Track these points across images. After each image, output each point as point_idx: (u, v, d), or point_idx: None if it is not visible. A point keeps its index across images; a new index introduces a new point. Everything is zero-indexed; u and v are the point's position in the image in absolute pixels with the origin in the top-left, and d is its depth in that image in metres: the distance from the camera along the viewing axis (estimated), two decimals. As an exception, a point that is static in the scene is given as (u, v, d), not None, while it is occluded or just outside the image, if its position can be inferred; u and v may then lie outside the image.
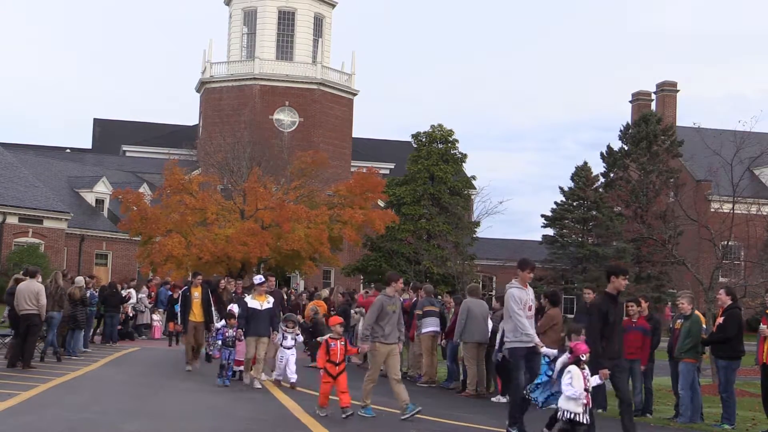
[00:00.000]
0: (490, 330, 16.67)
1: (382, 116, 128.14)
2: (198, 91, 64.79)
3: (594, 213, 52.64)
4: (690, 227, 36.02)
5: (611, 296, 11.20)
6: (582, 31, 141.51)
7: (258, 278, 16.52)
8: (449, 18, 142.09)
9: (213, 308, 18.75)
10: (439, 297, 20.73)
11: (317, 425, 11.76)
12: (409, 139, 49.79)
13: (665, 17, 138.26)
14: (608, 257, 50.60)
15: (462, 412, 14.04)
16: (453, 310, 18.35)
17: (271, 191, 39.76)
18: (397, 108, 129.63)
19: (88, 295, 22.32)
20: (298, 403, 13.84)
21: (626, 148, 55.67)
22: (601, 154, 57.03)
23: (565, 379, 10.29)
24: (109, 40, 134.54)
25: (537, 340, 11.86)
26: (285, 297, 27.02)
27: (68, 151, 68.72)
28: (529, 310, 12.01)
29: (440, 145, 47.03)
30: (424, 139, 47.21)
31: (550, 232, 54.76)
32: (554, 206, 53.97)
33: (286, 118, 60.79)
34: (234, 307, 18.90)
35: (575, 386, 10.22)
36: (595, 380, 10.46)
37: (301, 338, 18.11)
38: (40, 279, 18.63)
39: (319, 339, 21.69)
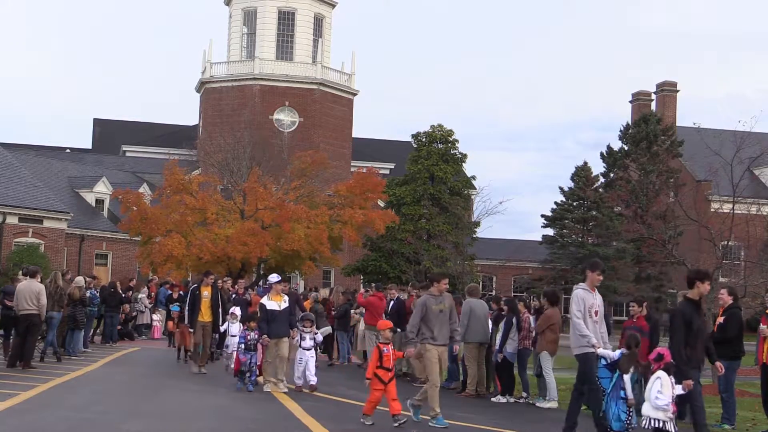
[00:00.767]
0: (489, 330, 16.68)
1: (382, 116, 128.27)
2: (198, 91, 64.78)
3: (594, 213, 52.68)
4: (690, 227, 36.01)
5: (694, 302, 10.67)
6: (582, 31, 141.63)
7: (274, 277, 16.05)
8: (449, 18, 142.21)
9: (221, 309, 18.32)
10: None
11: (317, 425, 11.75)
12: (409, 139, 49.81)
13: (665, 17, 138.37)
14: (608, 257, 50.61)
15: (462, 412, 14.03)
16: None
17: (271, 191, 39.72)
18: (397, 108, 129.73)
19: (88, 295, 22.34)
20: (299, 403, 13.84)
21: (626, 148, 55.71)
22: (601, 154, 57.08)
23: (654, 387, 9.73)
24: (109, 40, 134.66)
25: (594, 341, 11.23)
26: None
27: (68, 151, 68.72)
28: (596, 314, 11.43)
29: (440, 145, 47.03)
30: (424, 139, 47.22)
31: (550, 232, 54.81)
32: (554, 206, 54.01)
33: (286, 118, 60.79)
34: (236, 310, 18.65)
35: (665, 394, 9.65)
36: (678, 389, 9.90)
37: (320, 338, 17.65)
38: (40, 279, 18.67)
39: (322, 331, 21.66)
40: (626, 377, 10.47)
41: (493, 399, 16.04)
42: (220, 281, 22.36)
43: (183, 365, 19.66)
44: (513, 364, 16.27)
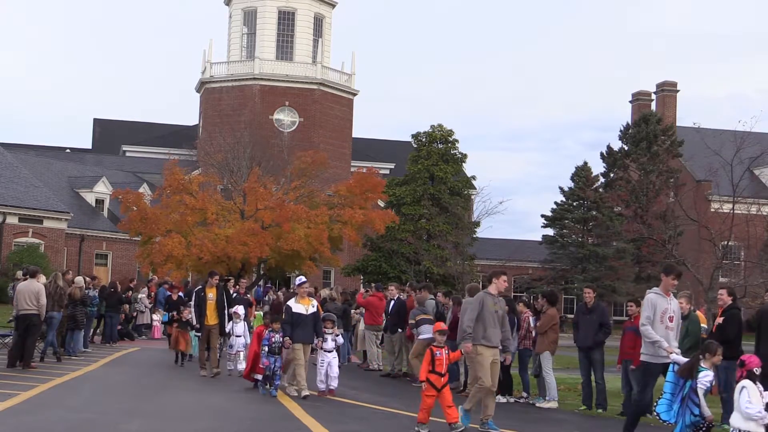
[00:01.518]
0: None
1: (382, 116, 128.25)
2: (198, 91, 64.78)
3: (594, 213, 52.70)
4: (690, 227, 36.05)
5: None
6: (582, 31, 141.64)
7: (300, 279, 15.53)
8: (449, 18, 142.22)
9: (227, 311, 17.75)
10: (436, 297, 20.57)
11: (317, 425, 11.75)
12: (409, 139, 49.81)
13: (665, 17, 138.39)
14: (608, 257, 50.65)
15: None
16: (452, 309, 18.30)
17: (271, 191, 39.71)
18: (397, 108, 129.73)
19: (89, 294, 22.33)
20: (299, 403, 13.84)
21: (626, 148, 55.74)
22: (601, 154, 57.10)
23: (743, 397, 9.15)
24: (109, 40, 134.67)
25: (665, 345, 10.76)
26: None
27: (68, 151, 68.71)
28: (670, 320, 10.99)
29: (440, 145, 47.04)
30: (424, 139, 47.22)
31: (550, 232, 54.83)
32: (554, 206, 54.03)
33: (286, 118, 60.78)
34: (239, 309, 18.19)
35: (754, 403, 9.06)
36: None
37: (341, 340, 17.12)
38: (43, 279, 18.68)
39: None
40: (701, 394, 9.89)
41: (493, 399, 16.01)
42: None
43: (181, 368, 19.60)
44: (511, 364, 16.24)
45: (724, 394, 13.68)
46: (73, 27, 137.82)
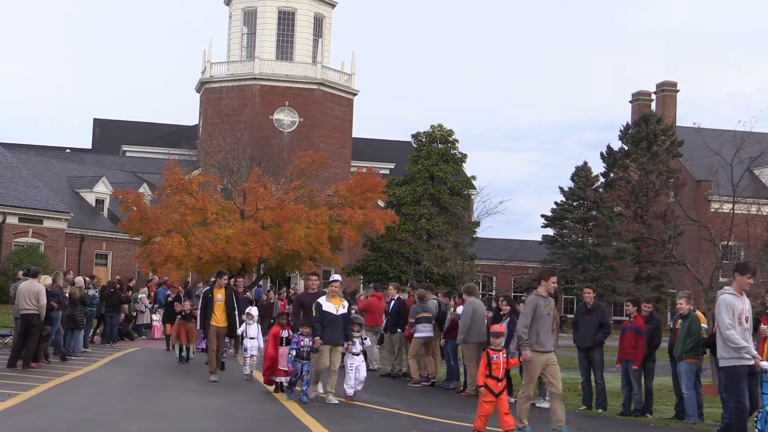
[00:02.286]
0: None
1: (382, 116, 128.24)
2: (198, 91, 64.78)
3: (594, 213, 52.73)
4: (690, 227, 36.00)
5: None
6: (582, 31, 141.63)
7: (334, 276, 14.81)
8: (449, 18, 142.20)
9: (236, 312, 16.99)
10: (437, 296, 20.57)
11: (317, 425, 11.75)
12: (409, 139, 49.83)
13: (665, 17, 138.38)
14: (608, 257, 50.67)
15: (462, 412, 14.03)
16: (452, 309, 18.29)
17: (271, 191, 39.71)
18: (397, 108, 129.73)
19: (90, 294, 22.32)
20: (299, 404, 13.83)
21: (626, 148, 55.76)
22: (601, 154, 57.12)
23: None
24: (109, 40, 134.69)
25: (754, 352, 10.36)
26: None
27: (68, 151, 68.71)
28: (746, 321, 10.60)
29: (440, 145, 47.05)
30: (424, 139, 47.23)
31: (550, 232, 54.86)
32: (554, 206, 54.05)
33: (286, 118, 60.79)
34: (252, 310, 17.60)
35: None
36: None
37: (368, 342, 16.46)
38: (49, 280, 18.70)
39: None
40: None
41: (493, 399, 16.01)
42: None
43: (183, 365, 19.60)
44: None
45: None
46: (73, 27, 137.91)
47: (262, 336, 17.50)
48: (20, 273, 22.08)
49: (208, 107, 62.01)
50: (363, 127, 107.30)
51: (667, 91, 63.38)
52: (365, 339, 15.59)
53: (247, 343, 17.03)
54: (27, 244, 44.74)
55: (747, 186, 28.13)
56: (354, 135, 64.84)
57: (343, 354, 14.69)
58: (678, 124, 58.51)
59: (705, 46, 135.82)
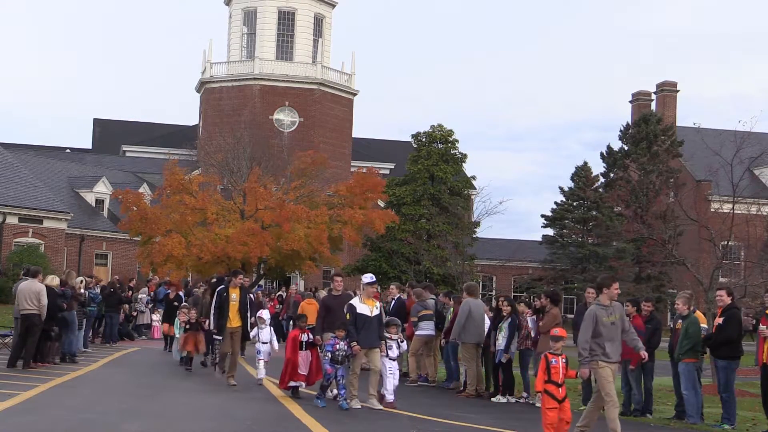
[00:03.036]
0: (486, 330, 16.66)
1: (382, 116, 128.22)
2: (198, 91, 64.78)
3: (594, 213, 52.73)
4: (690, 227, 36.03)
5: None
6: (582, 31, 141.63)
7: (368, 277, 14.23)
8: (449, 18, 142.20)
9: (249, 313, 16.50)
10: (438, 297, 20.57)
11: (317, 425, 11.75)
12: (409, 139, 49.82)
13: (665, 17, 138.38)
14: (608, 257, 50.67)
15: (462, 412, 14.04)
16: (452, 309, 18.30)
17: (271, 191, 39.72)
18: (397, 108, 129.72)
19: (89, 295, 22.30)
20: (299, 404, 13.83)
21: (626, 148, 55.73)
22: (601, 154, 57.09)
23: None
24: (109, 40, 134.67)
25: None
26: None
27: (68, 151, 68.71)
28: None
29: (440, 145, 47.04)
30: (424, 139, 47.22)
31: (550, 232, 54.86)
32: (554, 206, 54.05)
33: (286, 118, 60.78)
34: (264, 313, 16.95)
35: None
36: None
37: (405, 346, 15.72)
38: (56, 281, 18.70)
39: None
40: None
41: (493, 399, 16.04)
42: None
43: (187, 371, 19.44)
44: (511, 364, 16.26)
45: (724, 394, 13.69)
46: (73, 27, 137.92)
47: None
48: (21, 273, 22.10)
49: (208, 107, 62.02)
50: (363, 127, 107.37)
51: (667, 91, 63.36)
52: (402, 342, 15.04)
53: (259, 347, 16.38)
54: (27, 244, 44.73)
55: (747, 186, 28.14)
56: (354, 135, 64.84)
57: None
58: (678, 124, 58.50)
59: (705, 46, 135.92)
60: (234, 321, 16.06)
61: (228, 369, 16.27)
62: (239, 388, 15.73)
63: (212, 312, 16.24)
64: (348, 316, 13.82)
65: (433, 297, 19.17)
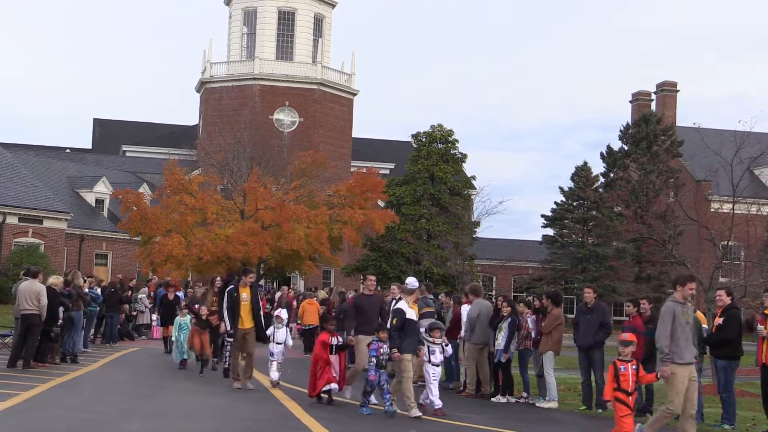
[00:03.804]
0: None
1: (382, 116, 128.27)
2: (198, 91, 64.80)
3: (594, 213, 52.72)
4: (690, 227, 36.05)
5: None
6: (582, 31, 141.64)
7: (412, 281, 13.76)
8: (449, 18, 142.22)
9: (262, 313, 15.99)
10: (438, 297, 20.56)
11: (317, 425, 11.75)
12: (409, 139, 49.82)
13: (666, 17, 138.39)
14: (608, 257, 50.67)
15: (462, 412, 14.03)
16: (452, 309, 18.29)
17: (271, 191, 39.75)
18: (397, 108, 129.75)
19: (90, 295, 22.29)
20: (299, 403, 13.83)
21: (626, 148, 55.73)
22: (601, 154, 57.09)
23: None
24: (109, 40, 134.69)
25: None
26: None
27: (68, 151, 68.73)
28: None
29: (440, 145, 47.05)
30: (424, 139, 47.23)
31: (550, 232, 54.83)
32: (554, 206, 54.03)
33: (286, 118, 60.79)
34: (282, 313, 16.49)
35: None
36: None
37: (450, 350, 15.11)
38: (59, 281, 18.70)
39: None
40: None
41: (493, 399, 16.03)
42: (218, 279, 19.67)
43: (181, 370, 19.47)
44: (511, 364, 16.26)
45: (724, 394, 13.69)
46: (73, 27, 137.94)
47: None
48: (21, 274, 22.08)
49: (208, 107, 62.03)
50: (363, 127, 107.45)
51: (667, 91, 63.35)
52: (447, 345, 14.48)
53: (273, 347, 15.85)
54: (27, 244, 44.74)
55: (747, 186, 28.13)
56: (354, 135, 64.84)
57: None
58: (678, 124, 58.49)
59: (705, 46, 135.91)
60: (246, 322, 15.48)
61: (245, 371, 15.61)
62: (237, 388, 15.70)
63: (225, 314, 15.65)
64: (395, 321, 13.32)
65: (432, 297, 19.13)
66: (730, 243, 24.17)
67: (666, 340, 10.45)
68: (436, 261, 42.07)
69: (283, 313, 16.39)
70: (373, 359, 13.18)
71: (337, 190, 41.04)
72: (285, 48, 62.01)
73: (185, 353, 19.00)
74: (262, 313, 15.89)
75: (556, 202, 54.05)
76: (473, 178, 53.96)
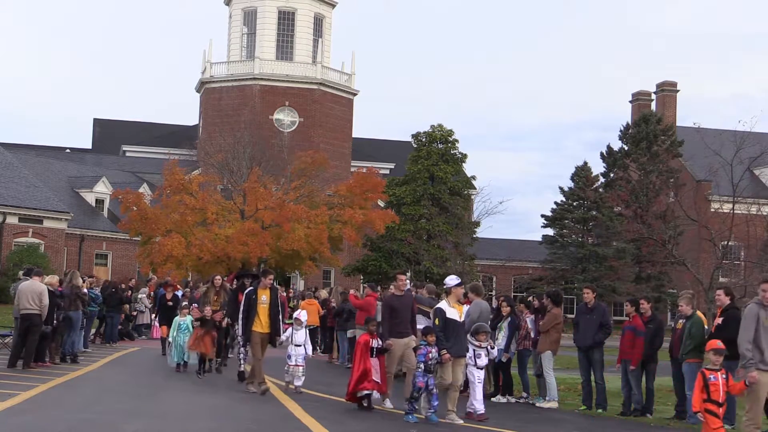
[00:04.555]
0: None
1: (382, 116, 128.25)
2: (198, 91, 64.79)
3: (594, 213, 52.75)
4: (690, 227, 36.08)
5: None
6: (582, 31, 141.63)
7: (453, 279, 13.20)
8: (450, 18, 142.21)
9: (281, 317, 15.43)
10: (440, 297, 20.54)
11: (317, 425, 11.74)
12: (409, 139, 49.82)
13: (665, 17, 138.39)
14: (608, 257, 50.68)
15: (462, 412, 14.02)
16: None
17: (271, 191, 39.76)
18: (397, 108, 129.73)
19: (90, 295, 22.28)
20: (299, 403, 13.83)
21: (626, 148, 55.75)
22: (601, 154, 57.12)
23: None
24: (109, 40, 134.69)
25: None
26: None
27: (68, 151, 68.72)
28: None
29: (440, 145, 47.04)
30: (424, 139, 47.22)
31: (550, 232, 54.86)
32: (554, 206, 54.07)
33: (286, 118, 60.79)
34: (302, 315, 15.96)
35: None
36: None
37: (495, 353, 14.65)
38: (55, 280, 18.68)
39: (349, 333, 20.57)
40: None
41: (493, 399, 16.01)
42: (219, 278, 19.68)
43: (179, 372, 19.32)
44: (510, 364, 16.25)
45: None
46: (73, 27, 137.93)
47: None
48: (20, 274, 22.07)
49: (208, 107, 62.03)
50: (363, 127, 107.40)
51: (667, 91, 63.35)
52: (493, 348, 14.20)
53: (291, 350, 15.32)
54: (27, 244, 44.75)
55: (747, 186, 28.18)
56: (354, 135, 64.83)
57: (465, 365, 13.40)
58: (678, 124, 58.49)
59: (705, 46, 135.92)
60: (264, 326, 14.93)
61: (255, 375, 15.09)
62: (239, 387, 15.70)
63: (240, 318, 15.20)
64: (437, 322, 12.79)
65: (431, 297, 19.09)
66: (730, 243, 24.22)
67: (749, 344, 9.92)
68: (436, 261, 42.07)
69: (302, 315, 15.92)
70: (422, 364, 12.65)
71: (337, 190, 41.04)
72: (285, 48, 62.01)
73: (185, 355, 18.63)
74: (281, 317, 15.38)
75: (556, 202, 54.08)
76: (473, 178, 53.97)
